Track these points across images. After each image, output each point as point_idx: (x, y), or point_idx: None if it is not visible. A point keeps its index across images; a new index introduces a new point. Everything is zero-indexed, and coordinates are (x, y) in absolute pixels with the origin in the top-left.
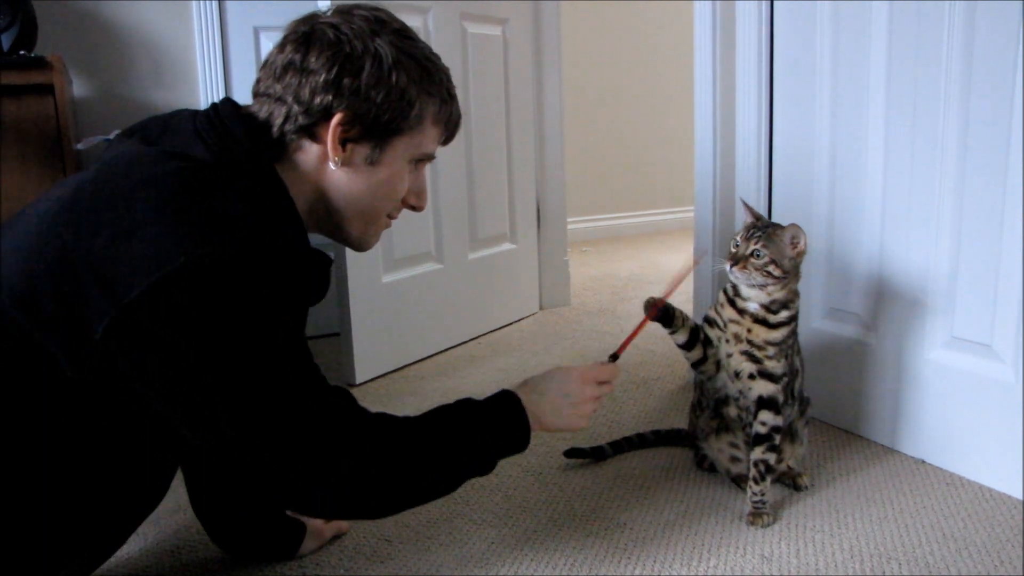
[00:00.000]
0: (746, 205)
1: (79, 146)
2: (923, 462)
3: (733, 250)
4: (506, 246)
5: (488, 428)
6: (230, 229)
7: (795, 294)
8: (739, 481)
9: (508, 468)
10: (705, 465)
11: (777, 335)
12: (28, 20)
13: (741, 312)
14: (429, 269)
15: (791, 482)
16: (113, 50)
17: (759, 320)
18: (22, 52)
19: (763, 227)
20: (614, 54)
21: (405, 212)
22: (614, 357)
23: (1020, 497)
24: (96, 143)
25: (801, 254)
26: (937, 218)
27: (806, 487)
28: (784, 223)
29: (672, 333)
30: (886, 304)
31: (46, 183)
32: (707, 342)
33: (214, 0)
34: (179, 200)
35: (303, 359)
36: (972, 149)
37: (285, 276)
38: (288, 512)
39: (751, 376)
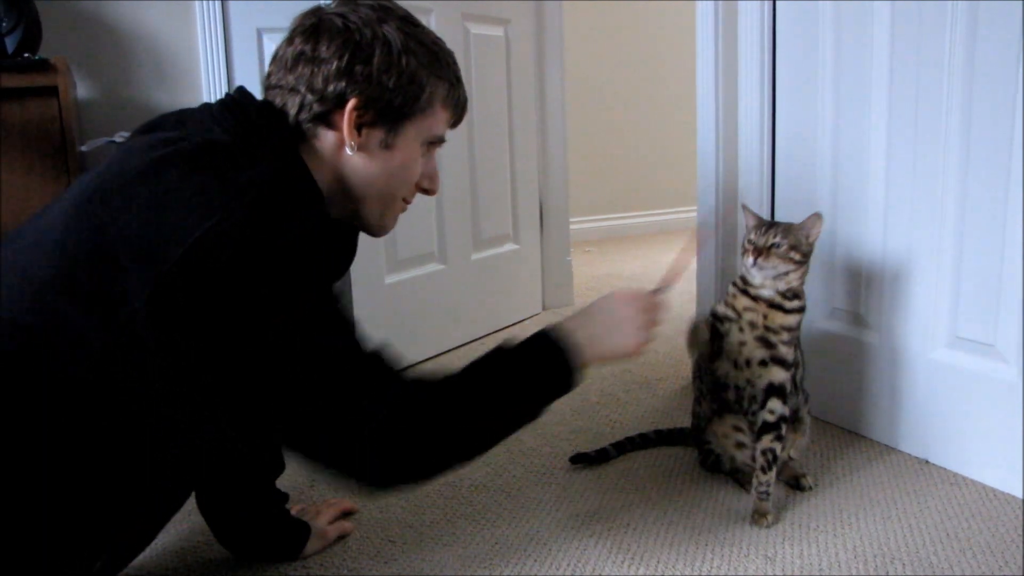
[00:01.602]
0: (746, 209)
1: (83, 148)
2: (926, 462)
3: (750, 247)
4: (509, 246)
5: (527, 378)
6: (260, 190)
7: (802, 284)
8: (741, 477)
9: (511, 468)
10: (709, 464)
11: (792, 320)
12: (32, 23)
13: (755, 299)
14: (432, 269)
15: (794, 482)
16: (116, 52)
17: (774, 306)
18: (26, 55)
19: (773, 223)
20: (616, 54)
21: (408, 213)
22: (658, 291)
23: (1022, 497)
24: (100, 145)
25: (815, 235)
26: (940, 217)
27: (809, 487)
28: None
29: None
30: (889, 303)
31: (50, 185)
32: (718, 336)
33: (217, 1)
34: (206, 168)
35: (342, 319)
36: (974, 148)
37: (319, 238)
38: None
39: (762, 363)
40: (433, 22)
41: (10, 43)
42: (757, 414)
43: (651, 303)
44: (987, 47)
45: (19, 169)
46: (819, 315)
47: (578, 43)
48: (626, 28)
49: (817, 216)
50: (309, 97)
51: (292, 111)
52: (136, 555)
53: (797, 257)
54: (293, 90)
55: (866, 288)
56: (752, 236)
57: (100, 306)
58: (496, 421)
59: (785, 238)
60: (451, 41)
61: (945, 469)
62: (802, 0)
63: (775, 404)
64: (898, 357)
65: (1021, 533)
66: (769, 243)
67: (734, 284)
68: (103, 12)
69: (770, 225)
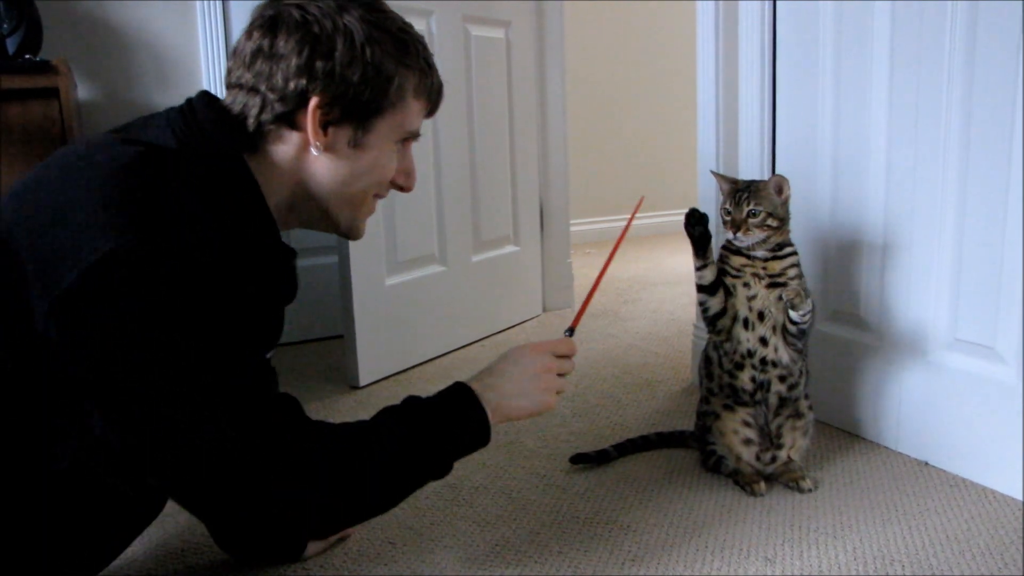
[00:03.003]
0: (717, 175)
1: None
2: (926, 464)
3: (727, 218)
4: (509, 248)
5: (439, 427)
6: (166, 214)
7: (788, 235)
8: (742, 480)
9: (511, 470)
10: (710, 465)
11: (789, 262)
12: (33, 24)
13: (751, 257)
14: (433, 271)
15: (794, 484)
16: (118, 53)
17: (770, 258)
18: (27, 56)
19: (746, 187)
20: (617, 56)
21: (408, 215)
22: (570, 332)
23: (1022, 499)
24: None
25: (788, 198)
26: (940, 219)
27: (809, 489)
28: (789, 215)
29: (701, 268)
30: (889, 306)
31: None
32: (727, 292)
33: (218, 1)
34: (116, 183)
35: (247, 359)
36: (974, 150)
37: (227, 265)
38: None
39: (780, 298)
40: (433, 24)
41: (11, 44)
42: (769, 386)
43: (561, 352)
44: (987, 47)
45: (20, 170)
46: (819, 317)
47: (579, 45)
48: (627, 29)
49: (777, 176)
50: (270, 96)
51: (253, 112)
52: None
53: (775, 224)
54: (253, 89)
55: (865, 290)
56: (728, 205)
57: (9, 322)
58: (401, 470)
59: (760, 204)
60: (452, 43)
61: (945, 471)
62: (802, 0)
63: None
64: (897, 359)
65: (1021, 535)
66: (744, 213)
67: (724, 248)
68: (104, 14)
69: (744, 190)
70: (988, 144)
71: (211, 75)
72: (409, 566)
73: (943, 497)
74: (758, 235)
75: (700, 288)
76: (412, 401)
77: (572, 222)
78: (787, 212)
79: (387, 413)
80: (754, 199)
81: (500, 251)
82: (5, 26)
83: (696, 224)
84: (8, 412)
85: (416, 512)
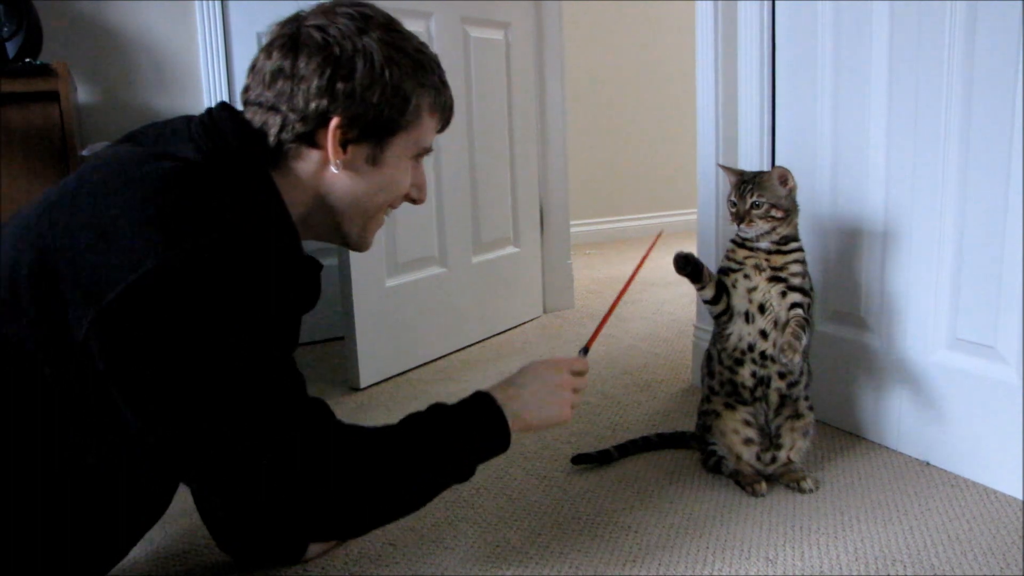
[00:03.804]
0: (724, 168)
1: (84, 152)
2: (927, 464)
3: (733, 210)
4: (509, 249)
5: (463, 433)
6: (206, 230)
7: (796, 229)
8: (742, 480)
9: (513, 471)
10: (711, 465)
11: (792, 257)
12: (33, 28)
13: (754, 249)
14: (433, 273)
15: (795, 485)
16: (117, 57)
17: (773, 252)
18: (27, 60)
19: (750, 179)
20: (616, 57)
21: (408, 217)
22: (585, 351)
23: (1022, 498)
24: (101, 149)
25: (793, 189)
26: (940, 219)
27: (810, 490)
28: (797, 208)
29: (700, 289)
30: (889, 305)
31: None
32: (727, 293)
33: (217, 2)
34: (155, 200)
35: (282, 367)
36: (974, 149)
37: (265, 278)
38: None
39: (782, 293)
40: (433, 26)
41: (11, 48)
42: (770, 382)
43: (577, 370)
44: (986, 47)
45: (21, 174)
46: (819, 317)
47: (578, 46)
48: (626, 30)
49: (779, 168)
50: (291, 116)
51: (273, 130)
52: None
53: (779, 215)
54: (273, 108)
55: (866, 290)
56: (733, 197)
57: (46, 333)
58: (428, 474)
59: (763, 196)
60: (451, 45)
61: (946, 471)
62: (802, 0)
63: (798, 311)
64: (898, 359)
65: (1021, 535)
66: (748, 205)
67: (732, 240)
68: (104, 17)
69: (748, 182)
70: (988, 143)
71: (210, 78)
72: (410, 567)
73: (944, 497)
74: (762, 226)
75: (704, 300)
76: (437, 408)
77: (572, 223)
78: (792, 203)
79: (414, 419)
80: (758, 190)
81: (500, 252)
82: (5, 30)
83: (685, 266)
84: (42, 413)
85: (417, 514)
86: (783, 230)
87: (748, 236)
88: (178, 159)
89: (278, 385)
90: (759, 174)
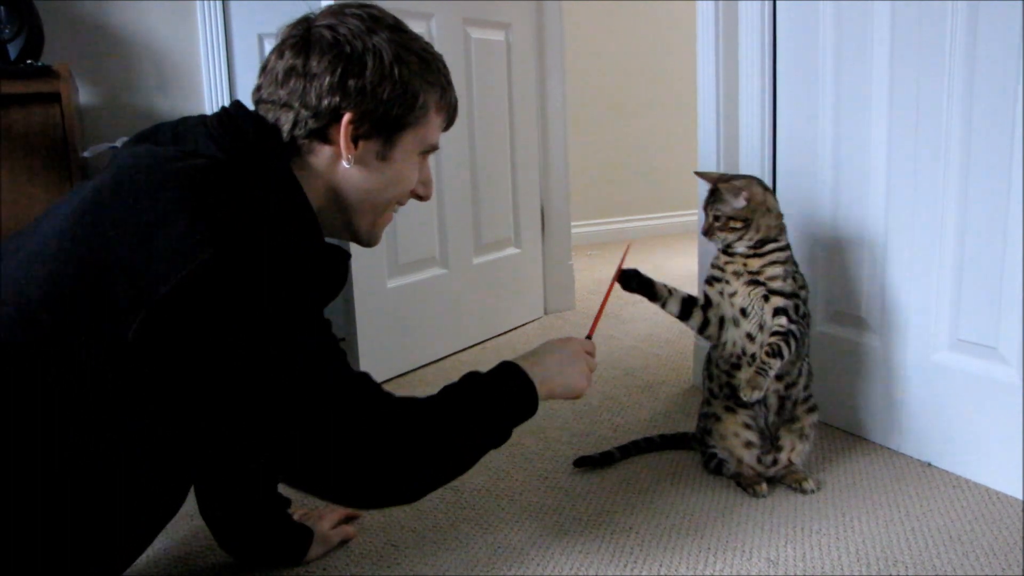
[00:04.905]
0: (700, 175)
1: (85, 154)
2: (928, 464)
3: (702, 223)
4: (510, 250)
5: (499, 397)
6: (253, 222)
7: (777, 229)
8: (743, 481)
9: (514, 472)
10: (712, 467)
11: (769, 259)
12: (34, 29)
13: (732, 254)
14: (434, 274)
15: (796, 485)
16: (119, 58)
17: (750, 255)
18: (29, 61)
19: (713, 191)
20: (617, 57)
21: (409, 218)
22: (587, 338)
23: (1023, 499)
24: (102, 151)
25: (753, 200)
26: (941, 220)
27: (812, 490)
28: (771, 211)
29: (663, 306)
30: (890, 306)
31: (52, 191)
32: (707, 304)
33: (218, 4)
34: (201, 194)
35: (333, 344)
36: (975, 149)
37: (307, 267)
38: (322, 501)
39: (764, 297)
40: (434, 26)
41: (12, 50)
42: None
43: (588, 348)
44: (987, 47)
45: (21, 175)
46: (820, 318)
47: (579, 46)
48: (627, 31)
49: (748, 180)
50: (303, 113)
51: (286, 127)
52: (127, 566)
53: (738, 226)
54: (286, 105)
55: (867, 290)
56: (704, 206)
57: (90, 329)
58: (474, 437)
59: (721, 208)
60: (452, 45)
61: (947, 472)
62: (802, 0)
63: (782, 320)
64: (899, 360)
65: (1022, 535)
66: (711, 218)
67: (718, 247)
68: (105, 19)
69: (711, 194)
70: (989, 143)
71: (211, 78)
72: (411, 568)
73: (946, 498)
74: (726, 236)
75: (673, 315)
76: (472, 376)
77: (573, 224)
78: (753, 212)
79: (453, 388)
80: (717, 203)
81: (501, 253)
82: (7, 31)
83: (629, 282)
84: (84, 407)
85: (418, 514)
86: (753, 235)
87: (717, 245)
88: (208, 156)
89: (334, 361)
90: (717, 188)
